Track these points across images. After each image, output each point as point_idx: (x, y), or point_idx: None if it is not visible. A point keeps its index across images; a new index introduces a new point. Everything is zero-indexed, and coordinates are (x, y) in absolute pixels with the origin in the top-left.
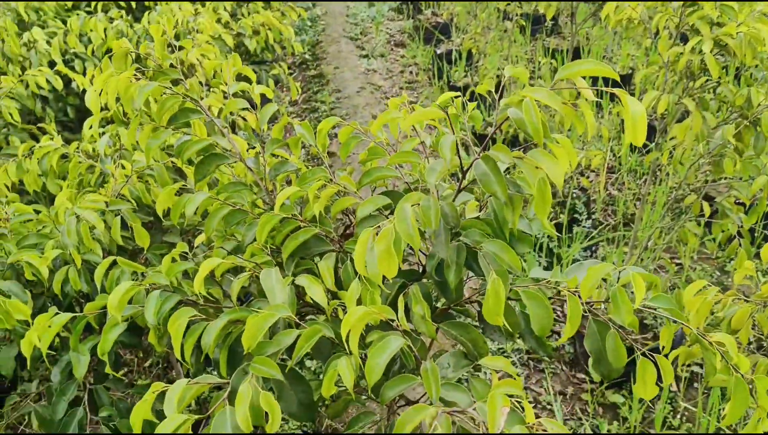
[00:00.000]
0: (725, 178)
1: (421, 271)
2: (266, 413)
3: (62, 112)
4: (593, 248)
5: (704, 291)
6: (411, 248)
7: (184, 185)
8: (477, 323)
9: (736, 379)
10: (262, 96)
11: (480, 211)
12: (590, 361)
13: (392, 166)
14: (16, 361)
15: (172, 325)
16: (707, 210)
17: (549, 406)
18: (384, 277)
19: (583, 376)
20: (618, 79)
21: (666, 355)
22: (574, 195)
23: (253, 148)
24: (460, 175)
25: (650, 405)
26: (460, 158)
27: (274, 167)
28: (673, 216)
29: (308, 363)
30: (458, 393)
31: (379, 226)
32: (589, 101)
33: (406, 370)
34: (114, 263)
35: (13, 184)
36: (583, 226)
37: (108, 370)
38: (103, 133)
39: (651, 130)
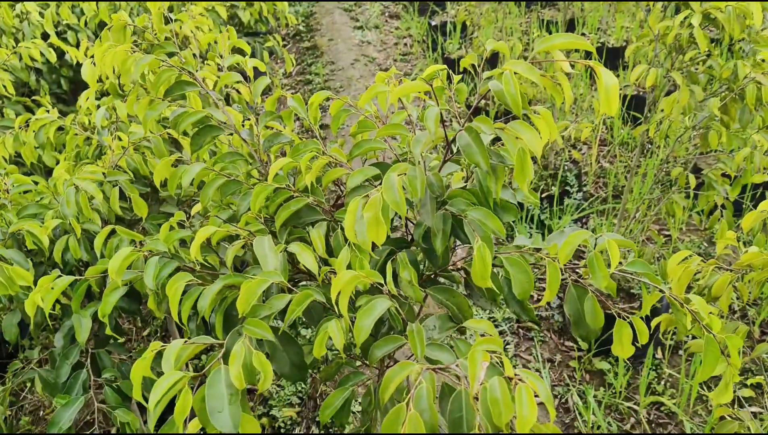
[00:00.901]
0: (714, 151)
1: (409, 239)
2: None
3: (56, 84)
4: (584, 220)
5: (687, 260)
6: (399, 218)
7: (180, 157)
8: (463, 290)
9: (706, 337)
10: (255, 69)
11: (466, 182)
12: (571, 322)
13: (381, 138)
14: (19, 327)
15: (170, 288)
16: (693, 182)
17: (537, 373)
18: (373, 245)
19: (571, 344)
20: (593, 51)
21: (643, 318)
22: (566, 167)
23: (248, 120)
24: (446, 145)
25: (636, 372)
26: (445, 130)
27: (268, 139)
28: (663, 189)
29: (303, 332)
30: (443, 353)
31: (367, 196)
32: (565, 73)
33: (394, 332)
34: (113, 232)
35: (10, 156)
36: (574, 199)
37: (108, 331)
38: (99, 105)
39: (641, 103)
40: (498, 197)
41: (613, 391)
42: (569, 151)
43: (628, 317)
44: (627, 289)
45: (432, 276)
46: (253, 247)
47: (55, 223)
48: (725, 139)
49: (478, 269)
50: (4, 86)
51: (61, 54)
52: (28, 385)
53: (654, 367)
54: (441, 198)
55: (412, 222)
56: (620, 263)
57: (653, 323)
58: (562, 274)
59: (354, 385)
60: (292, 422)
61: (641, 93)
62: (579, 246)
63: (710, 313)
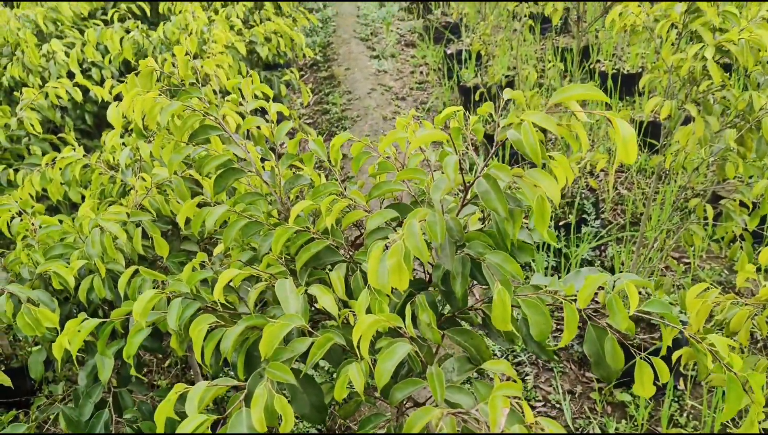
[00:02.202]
0: (732, 179)
1: (427, 280)
2: (280, 415)
3: (80, 119)
4: (602, 248)
5: (705, 293)
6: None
7: (203, 197)
8: (480, 330)
9: (728, 376)
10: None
11: (483, 223)
12: (591, 363)
13: (400, 180)
14: (44, 364)
15: (193, 330)
16: (711, 213)
17: (558, 405)
18: (393, 288)
19: (591, 375)
20: (608, 101)
21: (663, 357)
22: (583, 195)
23: (269, 161)
24: (464, 189)
25: (657, 404)
26: (463, 175)
27: (289, 181)
28: (682, 215)
29: (322, 363)
30: (462, 395)
31: (388, 240)
32: (581, 122)
33: (413, 374)
34: (136, 272)
35: (37, 193)
36: (592, 226)
37: (132, 371)
38: (123, 143)
39: (657, 130)
40: (515, 239)
41: (635, 423)
42: (586, 179)
43: (648, 357)
44: (647, 320)
45: (450, 316)
46: (275, 290)
47: (80, 264)
48: (742, 169)
49: (498, 313)
50: (32, 125)
51: (85, 90)
52: (50, 418)
53: (676, 399)
54: (460, 242)
55: (430, 263)
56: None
57: (674, 356)
58: (580, 314)
59: (375, 427)
60: None
61: (657, 120)
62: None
63: (731, 348)
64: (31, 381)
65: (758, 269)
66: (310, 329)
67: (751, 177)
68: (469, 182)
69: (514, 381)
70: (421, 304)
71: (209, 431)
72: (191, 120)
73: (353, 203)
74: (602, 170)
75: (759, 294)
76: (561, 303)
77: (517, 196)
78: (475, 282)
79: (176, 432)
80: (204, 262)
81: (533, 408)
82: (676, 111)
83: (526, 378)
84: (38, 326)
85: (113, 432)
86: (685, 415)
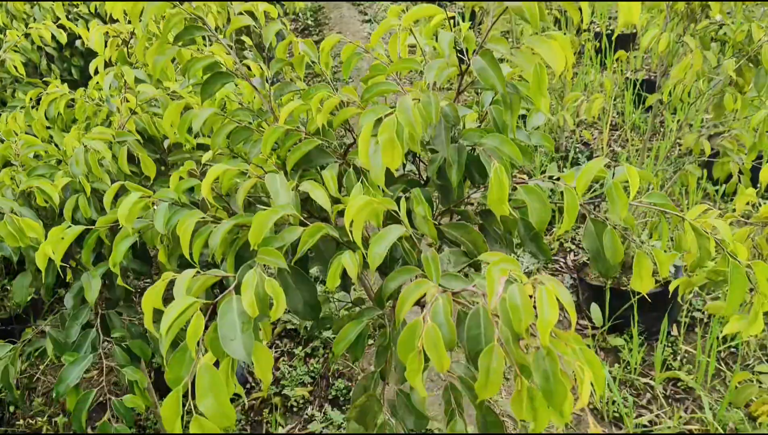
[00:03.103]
0: (728, 128)
1: (423, 182)
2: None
3: (67, 71)
4: (596, 202)
5: (705, 214)
6: (413, 158)
7: (189, 105)
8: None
9: (732, 265)
10: (266, 13)
11: (480, 123)
12: (590, 257)
13: (393, 80)
14: (30, 290)
15: (180, 226)
16: (708, 149)
17: None
18: (386, 181)
19: (585, 322)
20: None
21: (658, 293)
22: (577, 149)
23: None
24: (460, 75)
25: (650, 348)
26: (459, 60)
27: (278, 87)
28: (676, 169)
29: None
30: (458, 282)
31: (381, 118)
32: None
33: (408, 265)
34: (122, 191)
35: (22, 132)
36: None
37: (120, 282)
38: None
39: (651, 87)
40: (514, 130)
41: (628, 367)
42: (580, 133)
43: (648, 250)
44: None
45: (446, 211)
46: (266, 183)
47: (65, 182)
48: (740, 104)
49: (495, 194)
50: (15, 67)
51: (71, 41)
52: (41, 368)
53: (669, 344)
54: (455, 128)
55: (423, 163)
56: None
57: (671, 287)
58: (580, 209)
59: (368, 319)
60: (304, 401)
61: (652, 77)
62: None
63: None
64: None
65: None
66: (302, 218)
67: (747, 117)
68: (464, 67)
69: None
70: (416, 198)
71: (200, 313)
72: (175, 18)
73: (346, 101)
74: (596, 129)
75: (760, 212)
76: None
77: (516, 84)
78: (473, 188)
79: (164, 314)
80: (192, 170)
81: None
82: (674, 44)
83: None
84: (22, 237)
85: (101, 351)
86: (678, 359)
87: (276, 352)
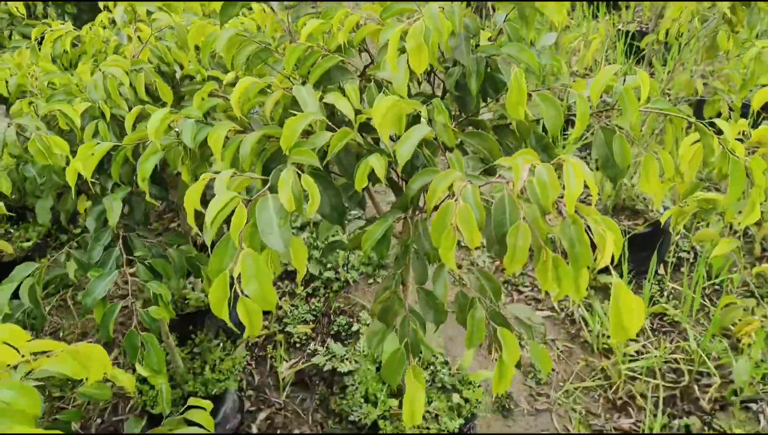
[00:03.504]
0: (719, 69)
1: (441, 95)
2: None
3: (60, 17)
4: (587, 149)
5: (698, 142)
6: (432, 74)
7: (213, 23)
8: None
9: (732, 161)
10: None
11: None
12: (599, 165)
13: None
14: (52, 213)
15: (212, 136)
16: (701, 89)
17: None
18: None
19: None
20: None
21: (647, 234)
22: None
23: None
24: None
25: (638, 286)
26: None
27: (297, 9)
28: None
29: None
30: (479, 180)
31: (408, 24)
32: None
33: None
34: (140, 118)
35: None
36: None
37: (147, 198)
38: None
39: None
40: (529, 44)
41: None
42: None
43: (655, 152)
44: (632, 206)
45: (464, 120)
46: (294, 93)
47: (84, 106)
48: (732, 44)
49: (514, 97)
50: (17, 8)
51: None
52: (52, 302)
53: (657, 282)
54: (475, 38)
55: (441, 80)
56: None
57: (663, 218)
58: (591, 118)
59: (393, 219)
60: (306, 337)
61: (644, 29)
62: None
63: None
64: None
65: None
66: (329, 123)
67: (738, 56)
68: None
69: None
70: (437, 107)
71: (243, 205)
72: None
73: (365, 18)
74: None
75: (752, 137)
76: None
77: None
78: (485, 104)
79: (209, 207)
80: (213, 90)
81: (520, 293)
82: None
83: None
84: (50, 154)
85: (124, 268)
86: (665, 295)
87: (278, 292)
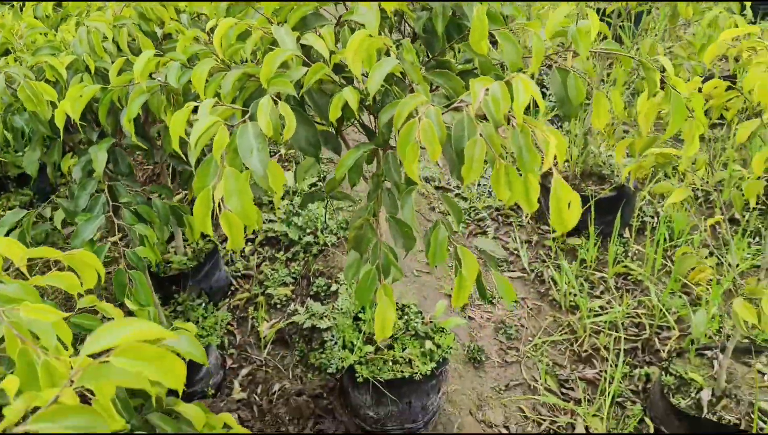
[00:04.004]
0: (680, 36)
1: (411, 40)
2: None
3: None
4: (557, 120)
5: (653, 98)
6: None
7: None
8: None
9: (673, 96)
10: None
11: None
12: (555, 103)
13: None
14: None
15: (195, 72)
16: (662, 52)
17: (516, 252)
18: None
19: (547, 227)
20: None
21: (612, 199)
22: (542, 72)
23: None
24: None
25: (604, 249)
26: None
27: None
28: (634, 92)
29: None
30: (442, 108)
31: None
32: None
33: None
34: (125, 65)
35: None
36: (549, 101)
37: (133, 139)
38: None
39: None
40: None
41: (585, 265)
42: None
43: (607, 92)
44: (598, 172)
45: (430, 62)
46: (273, 32)
47: (70, 59)
48: (692, 11)
49: (476, 34)
50: None
51: None
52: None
53: (622, 245)
54: None
55: (410, 26)
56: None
57: (623, 174)
58: (546, 61)
59: (365, 150)
60: (287, 299)
61: None
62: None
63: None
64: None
65: None
66: (305, 59)
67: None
68: None
69: None
70: (406, 47)
71: (224, 127)
72: None
73: None
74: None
75: (703, 90)
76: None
77: None
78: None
79: (193, 130)
80: (197, 37)
81: None
82: None
83: (486, 231)
84: (39, 102)
85: (111, 213)
86: (629, 256)
87: (258, 257)
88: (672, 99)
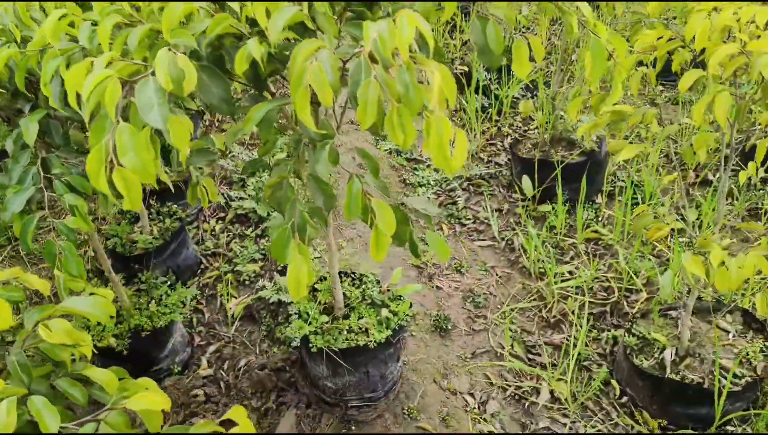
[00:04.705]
0: None
1: None
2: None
3: None
4: (532, 85)
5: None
6: None
7: None
8: None
9: (593, 41)
10: None
11: None
12: (476, 53)
13: None
14: None
15: (100, 27)
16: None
17: (486, 221)
18: None
19: (517, 195)
20: None
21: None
22: None
23: None
24: None
25: (574, 215)
26: None
27: None
28: None
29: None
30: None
31: None
32: None
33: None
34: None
35: None
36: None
37: (52, 103)
38: None
39: None
40: None
41: (555, 231)
42: None
43: (525, 37)
44: (567, 138)
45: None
46: None
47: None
48: None
49: None
50: None
51: None
52: None
53: (594, 211)
54: None
55: None
56: None
57: (579, 132)
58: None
59: (277, 104)
60: (255, 275)
61: None
62: None
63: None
64: None
65: None
66: (211, 12)
67: None
68: None
69: None
70: None
71: (118, 94)
72: None
73: None
74: None
75: (648, 40)
76: None
77: None
78: None
79: (85, 83)
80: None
81: (463, 225)
82: None
83: (457, 201)
84: None
85: (42, 184)
86: (600, 222)
87: (228, 235)
88: (591, 44)
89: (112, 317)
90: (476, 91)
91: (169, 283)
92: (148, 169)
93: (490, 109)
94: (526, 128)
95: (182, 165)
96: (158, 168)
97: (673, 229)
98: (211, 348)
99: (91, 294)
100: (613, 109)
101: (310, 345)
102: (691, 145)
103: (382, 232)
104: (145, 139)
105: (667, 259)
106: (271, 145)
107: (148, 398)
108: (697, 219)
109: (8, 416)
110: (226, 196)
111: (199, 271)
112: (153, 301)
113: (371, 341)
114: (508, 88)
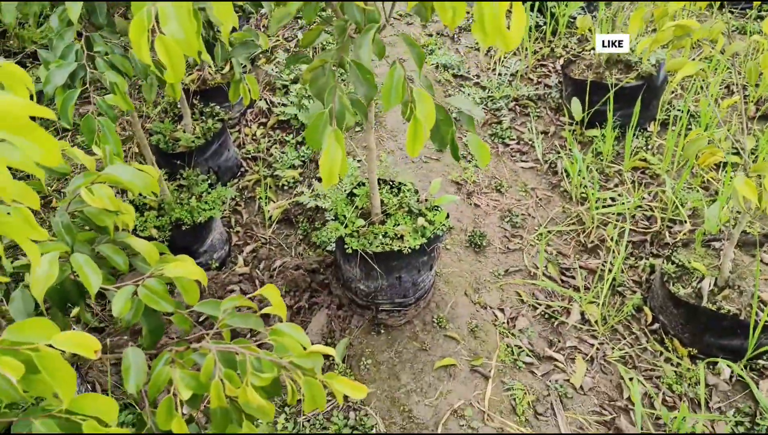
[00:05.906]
0: None
1: None
2: None
3: None
4: (593, 7)
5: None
6: None
7: None
8: None
9: None
10: None
11: None
12: None
13: None
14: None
15: None
16: None
17: (530, 143)
18: None
19: (565, 118)
20: None
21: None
22: None
23: None
24: None
25: (624, 141)
26: None
27: None
28: None
29: None
30: None
31: None
32: None
33: None
34: None
35: None
36: None
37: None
38: None
39: None
40: None
41: (601, 157)
42: None
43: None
44: (625, 59)
45: None
46: None
47: None
48: None
49: None
50: None
51: None
52: None
53: (645, 139)
54: None
55: None
56: None
57: (639, 48)
58: None
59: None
60: (294, 181)
61: None
62: None
63: None
64: None
65: None
66: None
67: None
68: None
69: None
70: None
71: None
72: None
73: None
74: None
75: None
76: None
77: None
78: None
79: None
80: None
81: (506, 145)
82: None
83: (503, 121)
84: None
85: (85, 64)
86: (650, 151)
87: (269, 140)
88: None
89: (154, 195)
90: (531, 9)
91: (209, 181)
92: (190, 39)
93: (544, 28)
94: (580, 50)
95: (228, 54)
96: (201, 45)
97: (725, 162)
98: (248, 248)
99: (139, 170)
100: (677, 24)
101: (345, 247)
102: (758, 64)
103: (420, 122)
104: (187, 9)
105: (716, 191)
106: (314, 34)
107: (186, 266)
108: (753, 152)
109: (50, 267)
110: (268, 101)
111: (239, 173)
112: (194, 197)
113: (405, 247)
114: (566, 6)
